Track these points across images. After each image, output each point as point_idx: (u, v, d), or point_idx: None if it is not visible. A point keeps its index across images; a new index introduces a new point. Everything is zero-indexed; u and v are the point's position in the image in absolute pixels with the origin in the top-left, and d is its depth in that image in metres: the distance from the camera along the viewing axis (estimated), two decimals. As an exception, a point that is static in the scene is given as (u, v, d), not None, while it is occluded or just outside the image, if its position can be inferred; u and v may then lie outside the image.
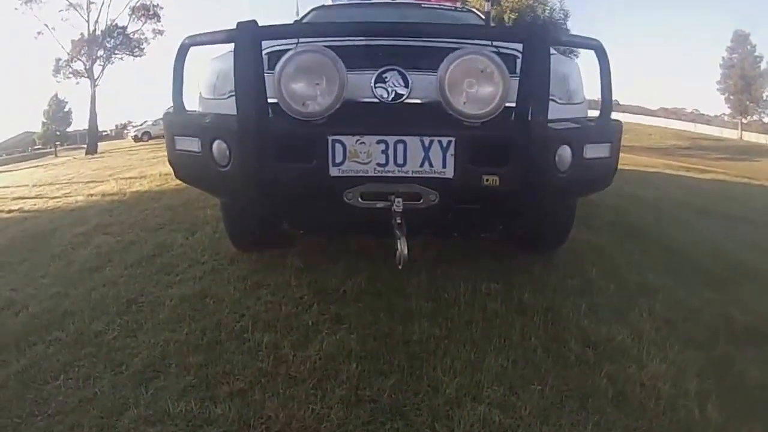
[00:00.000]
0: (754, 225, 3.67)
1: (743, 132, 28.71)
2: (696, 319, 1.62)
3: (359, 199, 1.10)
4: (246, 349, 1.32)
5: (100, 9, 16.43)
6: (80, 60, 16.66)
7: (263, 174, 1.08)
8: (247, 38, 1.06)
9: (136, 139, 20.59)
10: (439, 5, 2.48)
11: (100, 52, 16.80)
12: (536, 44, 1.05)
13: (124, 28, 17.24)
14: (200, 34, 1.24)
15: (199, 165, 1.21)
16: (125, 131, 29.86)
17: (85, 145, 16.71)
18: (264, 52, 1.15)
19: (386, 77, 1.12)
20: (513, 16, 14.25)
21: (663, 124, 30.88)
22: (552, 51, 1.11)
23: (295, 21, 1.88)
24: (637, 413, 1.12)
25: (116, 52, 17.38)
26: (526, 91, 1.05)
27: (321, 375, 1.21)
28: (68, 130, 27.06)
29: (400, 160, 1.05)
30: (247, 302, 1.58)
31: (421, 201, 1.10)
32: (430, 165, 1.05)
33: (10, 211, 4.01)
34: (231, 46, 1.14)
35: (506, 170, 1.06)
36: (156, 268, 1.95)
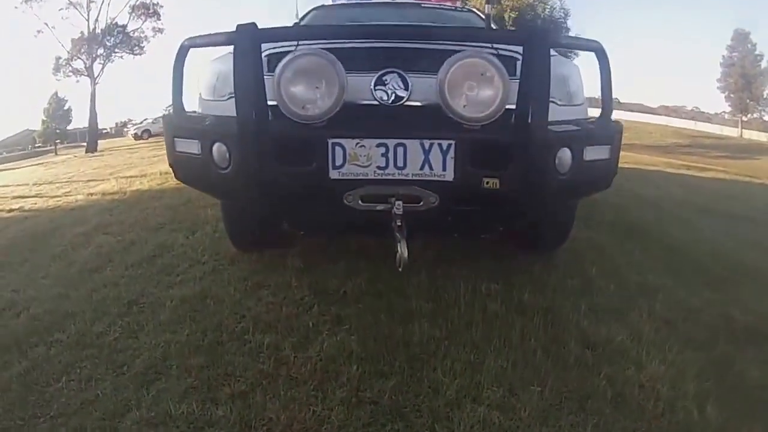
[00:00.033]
0: (755, 224, 3.67)
1: (743, 130, 28.68)
2: (696, 320, 1.63)
3: (359, 201, 1.10)
4: (247, 350, 1.33)
5: (100, 7, 16.44)
6: (80, 58, 16.67)
7: (263, 176, 1.08)
8: (247, 41, 1.06)
9: (136, 137, 20.58)
10: (440, 5, 2.47)
11: (100, 51, 16.80)
12: (536, 47, 1.05)
13: (124, 26, 17.25)
14: (199, 36, 1.24)
15: (199, 167, 1.21)
16: (125, 129, 29.87)
17: (85, 143, 16.70)
18: (263, 54, 1.15)
19: (386, 80, 1.12)
20: (513, 15, 14.19)
21: (663, 122, 30.82)
22: (552, 52, 1.11)
23: (295, 23, 1.87)
24: (635, 415, 1.13)
25: (116, 50, 17.39)
26: (526, 94, 1.05)
27: (322, 376, 1.22)
28: (68, 128, 27.11)
29: (400, 163, 1.05)
30: (248, 303, 1.58)
31: (421, 203, 1.10)
32: (430, 168, 1.05)
33: (10, 210, 4.02)
34: (231, 47, 1.14)
35: (506, 173, 1.06)
36: (157, 269, 1.95)
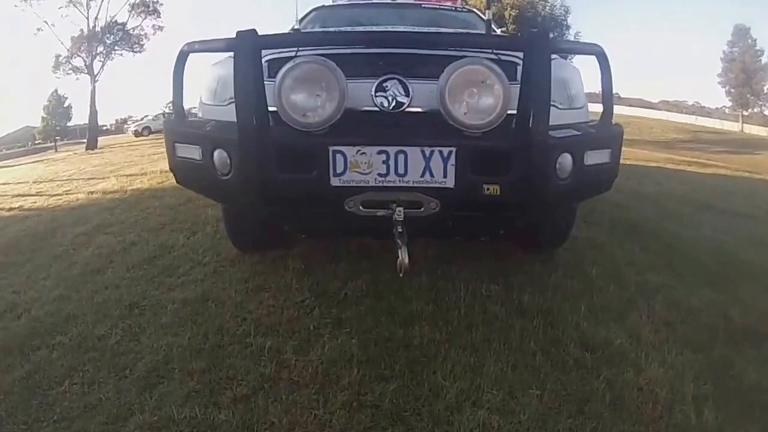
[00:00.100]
0: (756, 221, 3.66)
1: (744, 124, 28.64)
2: (695, 321, 1.63)
3: (360, 207, 1.10)
4: (248, 353, 1.33)
5: (100, 5, 16.34)
6: (80, 56, 16.60)
7: (264, 183, 1.08)
8: (247, 48, 1.05)
9: (136, 134, 20.53)
10: (440, 5, 2.45)
11: (100, 49, 16.72)
12: (537, 53, 1.04)
13: (124, 24, 17.15)
14: (199, 42, 1.23)
15: (200, 173, 1.21)
16: (125, 126, 29.79)
17: (85, 140, 16.67)
18: (264, 60, 1.15)
19: (387, 86, 1.12)
20: (513, 13, 14.08)
21: (664, 117, 30.73)
22: (552, 56, 1.10)
23: (295, 30, 1.86)
24: (634, 418, 1.14)
25: (116, 48, 17.30)
26: (526, 100, 1.05)
27: (323, 380, 1.23)
28: (68, 124, 27.06)
29: (401, 170, 1.05)
30: (249, 306, 1.59)
31: (422, 209, 1.10)
32: (431, 175, 1.05)
33: (10, 209, 4.02)
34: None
35: (507, 179, 1.06)
36: (158, 270, 1.96)
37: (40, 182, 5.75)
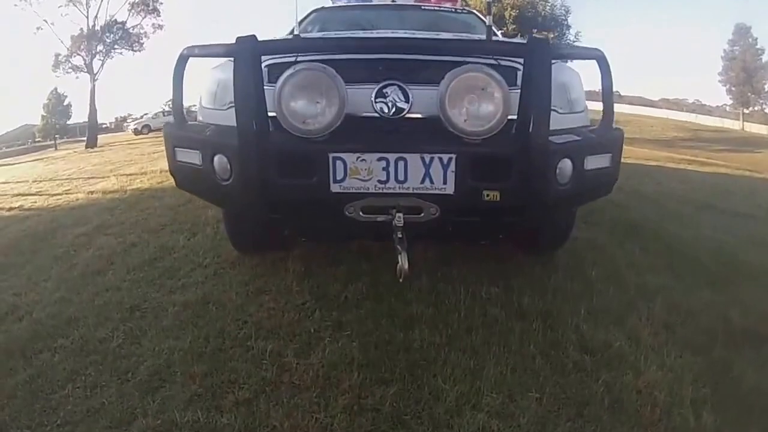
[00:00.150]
0: (756, 221, 3.66)
1: (745, 122, 28.65)
2: (695, 323, 1.63)
3: (360, 212, 1.11)
4: (250, 357, 1.34)
5: (100, 4, 16.31)
6: (80, 55, 16.57)
7: (265, 189, 1.09)
8: (247, 53, 1.05)
9: (136, 132, 20.53)
10: (440, 7, 2.45)
11: (100, 47, 16.70)
12: (537, 59, 1.04)
13: (124, 23, 17.12)
14: (199, 46, 1.23)
15: (200, 178, 1.22)
16: (125, 124, 29.79)
17: (84, 138, 16.67)
18: (263, 65, 1.15)
19: (387, 92, 1.12)
20: (513, 14, 14.02)
21: (664, 115, 30.71)
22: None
23: (293, 30, 1.86)
24: (633, 421, 1.14)
25: (115, 47, 17.28)
26: (527, 106, 1.05)
27: (324, 383, 1.23)
28: (68, 123, 27.05)
29: (401, 177, 1.05)
30: (250, 309, 1.60)
31: (422, 215, 1.11)
32: (431, 181, 1.05)
33: (10, 209, 4.02)
34: None
35: (507, 185, 1.06)
36: (158, 272, 1.96)
37: (40, 181, 5.75)
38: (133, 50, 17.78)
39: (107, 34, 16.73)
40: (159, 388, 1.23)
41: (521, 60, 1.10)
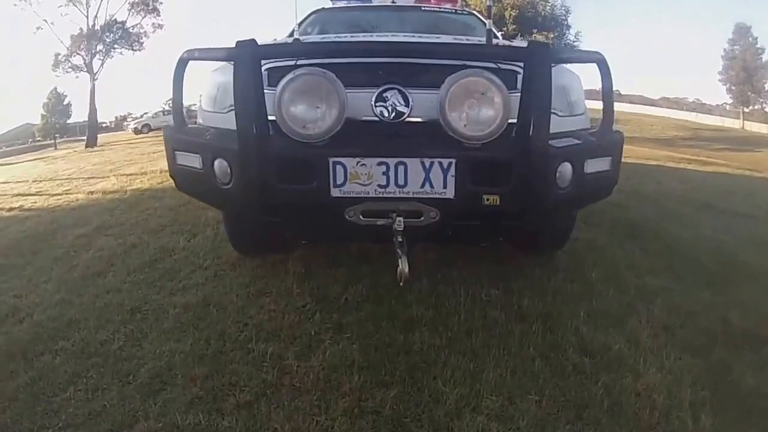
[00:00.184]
0: (756, 221, 3.66)
1: (745, 121, 28.69)
2: (694, 324, 1.64)
3: (360, 216, 1.11)
4: (250, 359, 1.35)
5: (100, 4, 16.30)
6: (79, 55, 16.57)
7: (265, 193, 1.09)
8: (247, 58, 1.06)
9: (136, 131, 20.52)
10: (440, 8, 2.44)
11: (100, 47, 16.70)
12: (537, 64, 1.05)
13: (123, 22, 17.11)
14: (199, 50, 1.24)
15: (200, 181, 1.22)
16: (125, 123, 29.79)
17: (84, 137, 16.66)
18: (263, 68, 1.15)
19: (387, 96, 1.12)
20: (513, 14, 13.98)
21: (665, 113, 30.71)
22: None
23: (293, 31, 1.86)
24: (631, 424, 1.15)
25: (115, 46, 17.28)
26: (527, 111, 1.05)
27: (324, 386, 1.24)
28: (68, 122, 27.04)
29: (401, 182, 1.06)
30: (250, 311, 1.60)
31: (422, 218, 1.11)
32: (431, 186, 1.06)
33: (10, 209, 4.02)
34: None
35: (507, 190, 1.07)
36: (158, 274, 1.96)
37: (40, 181, 5.75)
38: (133, 50, 17.79)
39: (107, 34, 16.72)
40: (160, 390, 1.23)
41: (521, 63, 1.10)
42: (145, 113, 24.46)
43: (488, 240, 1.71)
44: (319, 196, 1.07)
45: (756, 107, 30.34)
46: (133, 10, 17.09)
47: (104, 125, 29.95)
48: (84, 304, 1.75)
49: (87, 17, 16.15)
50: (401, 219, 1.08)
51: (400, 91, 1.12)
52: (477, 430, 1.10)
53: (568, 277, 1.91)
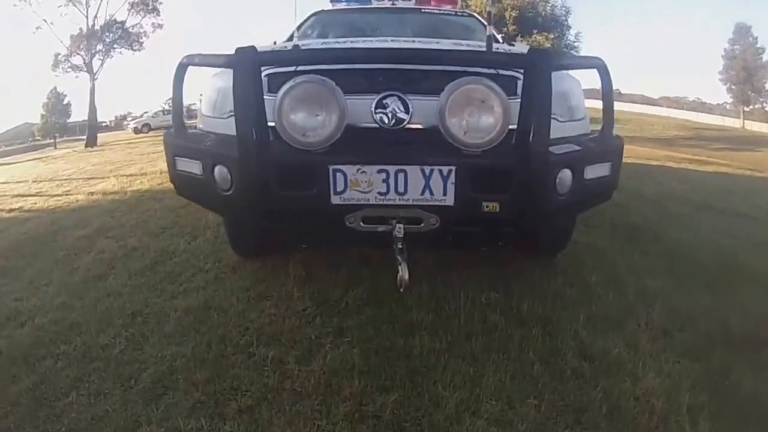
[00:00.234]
0: (756, 221, 3.67)
1: (745, 120, 28.73)
2: (693, 328, 1.64)
3: (360, 223, 1.12)
4: (251, 363, 1.35)
5: (99, 4, 16.30)
6: (79, 54, 16.56)
7: (265, 200, 1.10)
8: (247, 65, 1.06)
9: (136, 131, 20.54)
10: (440, 10, 2.44)
11: (99, 47, 16.69)
12: (538, 72, 1.05)
13: (123, 22, 17.10)
14: (198, 55, 1.24)
15: (200, 187, 1.22)
16: (125, 122, 29.79)
17: (84, 137, 16.66)
18: (263, 74, 1.16)
19: (387, 102, 1.13)
20: (514, 14, 13.96)
21: (665, 113, 30.73)
22: None
23: (293, 37, 1.86)
24: (630, 429, 1.15)
25: (115, 46, 17.28)
26: (527, 118, 1.05)
27: (325, 390, 1.24)
28: (68, 121, 27.04)
29: (401, 189, 1.06)
30: (251, 315, 1.61)
31: (422, 225, 1.12)
32: (431, 193, 1.06)
33: (10, 210, 4.02)
34: None
35: (506, 197, 1.07)
36: (159, 277, 1.97)
37: (40, 181, 5.75)
38: (132, 49, 17.78)
39: (107, 34, 16.70)
40: (162, 395, 1.24)
41: (522, 70, 1.10)
42: (145, 113, 24.47)
43: (488, 245, 1.71)
44: (319, 203, 1.08)
45: (756, 106, 30.45)
46: (132, 10, 17.10)
47: (104, 124, 29.95)
48: (85, 308, 1.75)
49: (87, 17, 16.17)
50: (401, 226, 1.09)
51: (400, 98, 1.13)
52: (477, 434, 1.11)
53: (567, 280, 1.91)
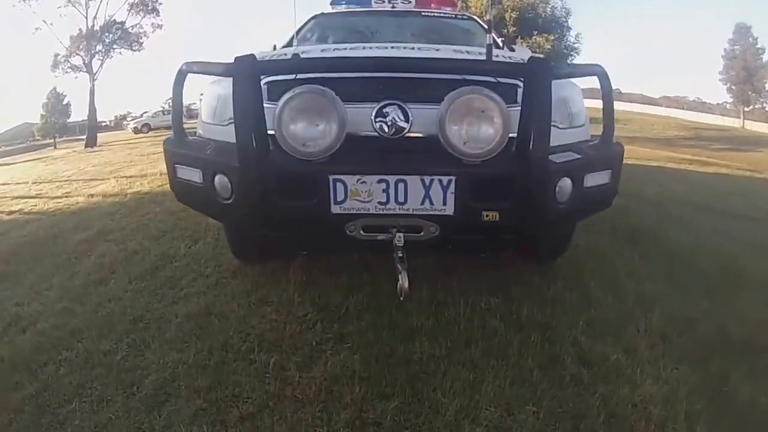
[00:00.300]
0: (756, 224, 3.67)
1: (745, 120, 28.75)
2: (692, 334, 1.65)
3: (361, 231, 1.12)
4: (253, 370, 1.36)
5: (99, 4, 16.28)
6: (79, 55, 16.55)
7: (266, 209, 1.10)
8: (246, 74, 1.06)
9: (136, 131, 20.54)
10: (440, 13, 2.44)
11: (99, 47, 16.68)
12: (538, 81, 1.05)
13: (123, 23, 17.09)
14: (198, 63, 1.25)
15: (201, 195, 1.23)
16: (124, 122, 29.78)
17: (84, 137, 16.66)
18: (263, 82, 1.16)
19: (387, 111, 1.13)
20: (514, 15, 13.94)
21: (665, 113, 30.73)
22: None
23: (292, 40, 1.86)
24: (628, 436, 1.16)
25: (115, 46, 17.28)
26: (526, 127, 1.06)
27: (326, 397, 1.25)
28: (68, 120, 27.02)
29: (401, 199, 1.07)
30: (252, 320, 1.61)
31: (422, 233, 1.12)
32: (431, 203, 1.07)
33: (10, 213, 4.03)
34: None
35: (506, 206, 1.08)
36: (160, 282, 1.98)
37: (40, 183, 5.75)
38: (132, 50, 17.78)
39: (106, 34, 16.68)
40: (165, 402, 1.25)
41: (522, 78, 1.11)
42: (145, 113, 24.47)
43: (486, 252, 1.72)
44: (319, 212, 1.08)
45: (756, 106, 30.47)
46: (132, 11, 17.08)
47: (104, 124, 29.94)
48: (86, 313, 1.76)
49: (86, 18, 16.15)
50: (401, 234, 1.09)
51: (400, 107, 1.13)
52: (476, 441, 1.11)
53: (567, 284, 1.92)
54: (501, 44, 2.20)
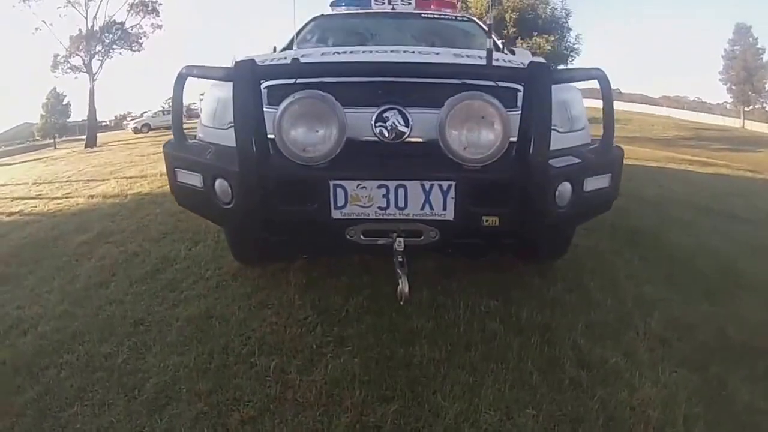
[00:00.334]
0: (756, 225, 3.66)
1: (745, 120, 28.77)
2: (691, 337, 1.65)
3: (361, 236, 1.13)
4: (253, 374, 1.36)
5: (99, 5, 16.27)
6: (78, 55, 16.54)
7: (266, 214, 1.10)
8: (246, 78, 1.07)
9: (135, 131, 20.54)
10: (440, 15, 2.44)
11: (99, 48, 16.67)
12: (538, 85, 1.06)
13: (122, 23, 17.08)
14: (198, 67, 1.25)
15: (201, 199, 1.23)
16: (124, 122, 29.77)
17: (84, 137, 16.66)
18: (263, 86, 1.16)
19: (387, 116, 1.13)
20: (514, 16, 13.93)
21: (665, 113, 30.74)
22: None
23: (292, 42, 1.87)
24: (626, 440, 1.16)
25: (114, 47, 17.27)
26: (526, 132, 1.06)
27: (327, 401, 1.25)
28: (68, 121, 27.01)
29: (401, 204, 1.07)
30: (253, 324, 1.62)
31: (422, 238, 1.13)
32: (431, 208, 1.07)
33: (10, 214, 4.02)
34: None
35: (506, 210, 1.08)
36: (161, 285, 1.98)
37: (40, 183, 5.75)
38: (132, 50, 17.77)
39: (106, 35, 16.68)
40: (166, 405, 1.25)
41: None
42: (145, 113, 24.48)
43: (486, 255, 1.72)
44: (320, 217, 1.09)
45: (756, 106, 30.49)
46: (132, 11, 17.08)
47: (104, 124, 29.94)
48: (87, 316, 1.76)
49: (86, 18, 16.15)
50: (401, 239, 1.10)
51: (400, 111, 1.13)
52: (476, 445, 1.12)
53: (567, 287, 1.92)
54: (501, 46, 2.20)
